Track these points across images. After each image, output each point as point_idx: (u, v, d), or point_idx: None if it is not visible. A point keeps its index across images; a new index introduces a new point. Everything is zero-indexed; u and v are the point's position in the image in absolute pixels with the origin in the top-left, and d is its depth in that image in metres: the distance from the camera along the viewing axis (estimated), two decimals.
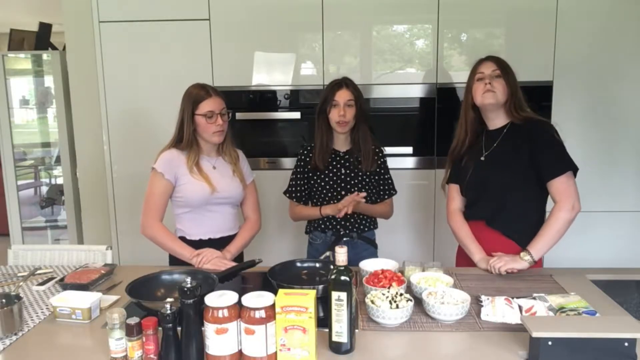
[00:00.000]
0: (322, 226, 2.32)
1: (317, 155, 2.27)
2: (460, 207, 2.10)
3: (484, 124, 2.03)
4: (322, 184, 2.29)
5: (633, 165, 2.91)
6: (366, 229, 2.34)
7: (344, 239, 2.30)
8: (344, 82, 2.23)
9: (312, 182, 2.32)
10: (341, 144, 2.31)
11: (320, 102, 2.26)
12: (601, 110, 2.87)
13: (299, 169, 2.35)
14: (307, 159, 2.33)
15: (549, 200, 1.97)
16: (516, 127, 1.95)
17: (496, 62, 1.95)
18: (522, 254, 1.87)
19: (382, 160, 2.33)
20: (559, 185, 1.88)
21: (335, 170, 2.29)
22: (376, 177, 2.31)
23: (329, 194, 2.29)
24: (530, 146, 1.90)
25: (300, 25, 2.89)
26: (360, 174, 2.28)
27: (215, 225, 2.14)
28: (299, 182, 2.35)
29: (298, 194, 2.35)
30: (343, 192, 2.27)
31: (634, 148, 2.90)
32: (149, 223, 2.07)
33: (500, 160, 1.95)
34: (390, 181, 2.35)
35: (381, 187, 2.34)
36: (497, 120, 1.99)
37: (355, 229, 2.31)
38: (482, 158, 1.98)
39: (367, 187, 2.28)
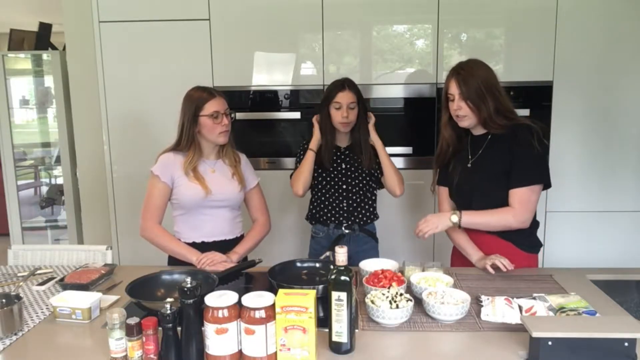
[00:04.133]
0: (324, 218, 2.35)
1: (323, 153, 2.30)
2: (453, 209, 2.09)
3: (466, 130, 2.00)
4: (328, 178, 2.33)
5: (633, 165, 2.91)
6: (369, 221, 2.38)
7: (346, 231, 2.33)
8: (346, 84, 2.26)
9: (315, 174, 2.35)
10: (342, 139, 2.35)
11: (321, 100, 2.30)
12: (601, 110, 2.87)
13: (300, 159, 2.37)
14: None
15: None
16: (499, 133, 1.92)
17: (458, 82, 1.86)
18: (452, 215, 1.87)
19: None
20: (520, 195, 1.86)
21: (335, 165, 2.33)
22: (375, 172, 2.35)
23: (330, 188, 2.33)
24: (510, 151, 1.88)
25: (300, 25, 2.89)
26: (360, 168, 2.33)
27: (210, 228, 2.12)
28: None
29: None
30: (344, 187, 2.33)
31: (634, 148, 2.90)
32: (148, 225, 2.07)
33: (487, 167, 1.92)
34: None
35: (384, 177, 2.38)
36: (478, 129, 1.96)
37: (357, 222, 2.34)
38: (469, 165, 1.96)
39: (366, 181, 2.34)
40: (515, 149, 1.87)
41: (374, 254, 2.35)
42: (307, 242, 2.48)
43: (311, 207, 2.42)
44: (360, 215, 2.35)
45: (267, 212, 2.28)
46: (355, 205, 2.33)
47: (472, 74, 1.86)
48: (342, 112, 2.23)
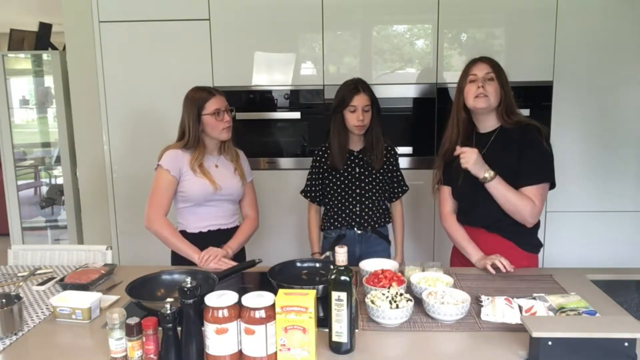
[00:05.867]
0: (337, 222, 2.35)
1: (336, 156, 2.28)
2: (454, 209, 2.10)
3: (474, 125, 2.02)
4: (338, 183, 2.32)
5: (633, 165, 2.91)
6: (382, 224, 2.38)
7: (358, 232, 2.33)
8: (360, 86, 2.24)
9: (327, 181, 2.35)
10: (355, 143, 2.34)
11: (335, 103, 2.27)
12: (601, 110, 2.87)
13: (314, 169, 2.38)
14: (323, 159, 2.36)
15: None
16: (507, 131, 1.94)
17: (490, 64, 1.93)
18: (489, 170, 1.87)
19: (394, 158, 2.37)
20: (534, 192, 1.88)
21: (349, 169, 2.32)
22: (389, 175, 2.35)
23: (343, 192, 2.33)
24: (519, 150, 1.89)
25: (300, 25, 2.89)
26: (373, 172, 2.31)
27: (214, 218, 2.20)
28: (314, 182, 2.38)
29: (313, 194, 2.39)
30: (357, 190, 2.31)
31: (634, 148, 2.90)
32: (154, 217, 2.11)
33: (494, 164, 1.92)
34: (401, 178, 2.40)
35: (395, 185, 2.38)
36: (487, 123, 1.98)
37: (370, 225, 2.34)
38: None
39: (380, 185, 2.33)
40: (525, 148, 1.89)
41: (386, 256, 2.32)
42: (306, 242, 2.48)
43: (325, 217, 2.41)
44: (374, 218, 2.33)
45: (257, 209, 2.35)
46: (367, 209, 2.32)
47: (496, 62, 1.95)
48: (357, 115, 2.21)
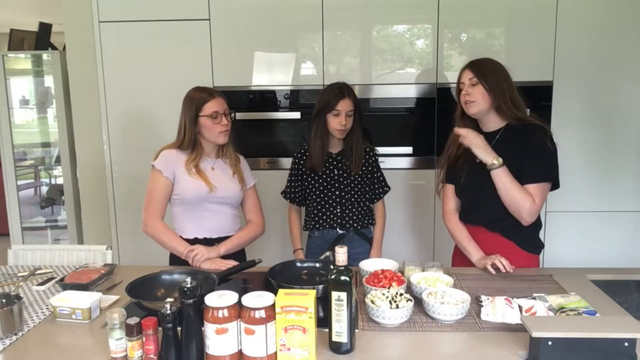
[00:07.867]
0: (319, 224, 2.36)
1: (316, 158, 2.29)
2: (457, 208, 2.10)
3: (479, 126, 2.02)
4: (317, 185, 2.34)
5: (633, 165, 2.91)
6: (364, 225, 2.38)
7: (341, 232, 2.34)
8: (345, 91, 2.24)
9: (306, 183, 2.36)
10: (334, 146, 2.35)
11: (319, 106, 2.28)
12: (601, 110, 2.87)
13: (293, 171, 2.39)
14: (302, 161, 2.37)
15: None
16: (511, 131, 1.94)
17: (473, 69, 1.93)
18: (497, 158, 1.86)
19: (373, 159, 2.37)
20: (534, 190, 1.88)
21: (328, 172, 2.33)
22: (369, 176, 2.36)
23: (322, 195, 2.34)
24: (523, 150, 1.90)
25: (300, 25, 2.89)
26: (352, 174, 2.32)
27: (212, 224, 2.14)
28: (293, 183, 2.40)
29: (292, 195, 2.41)
30: (337, 192, 2.32)
31: (634, 148, 2.90)
32: (151, 221, 2.08)
33: None
34: (382, 178, 2.40)
35: (376, 186, 2.39)
36: (489, 124, 1.98)
37: (352, 227, 2.34)
38: (478, 161, 1.95)
39: (359, 187, 2.34)
40: (528, 148, 1.89)
41: (366, 257, 2.32)
42: (306, 242, 2.48)
43: (307, 218, 2.43)
44: (355, 219, 2.34)
45: (262, 214, 2.28)
46: (347, 211, 2.33)
47: (485, 63, 1.95)
48: (340, 119, 2.22)
